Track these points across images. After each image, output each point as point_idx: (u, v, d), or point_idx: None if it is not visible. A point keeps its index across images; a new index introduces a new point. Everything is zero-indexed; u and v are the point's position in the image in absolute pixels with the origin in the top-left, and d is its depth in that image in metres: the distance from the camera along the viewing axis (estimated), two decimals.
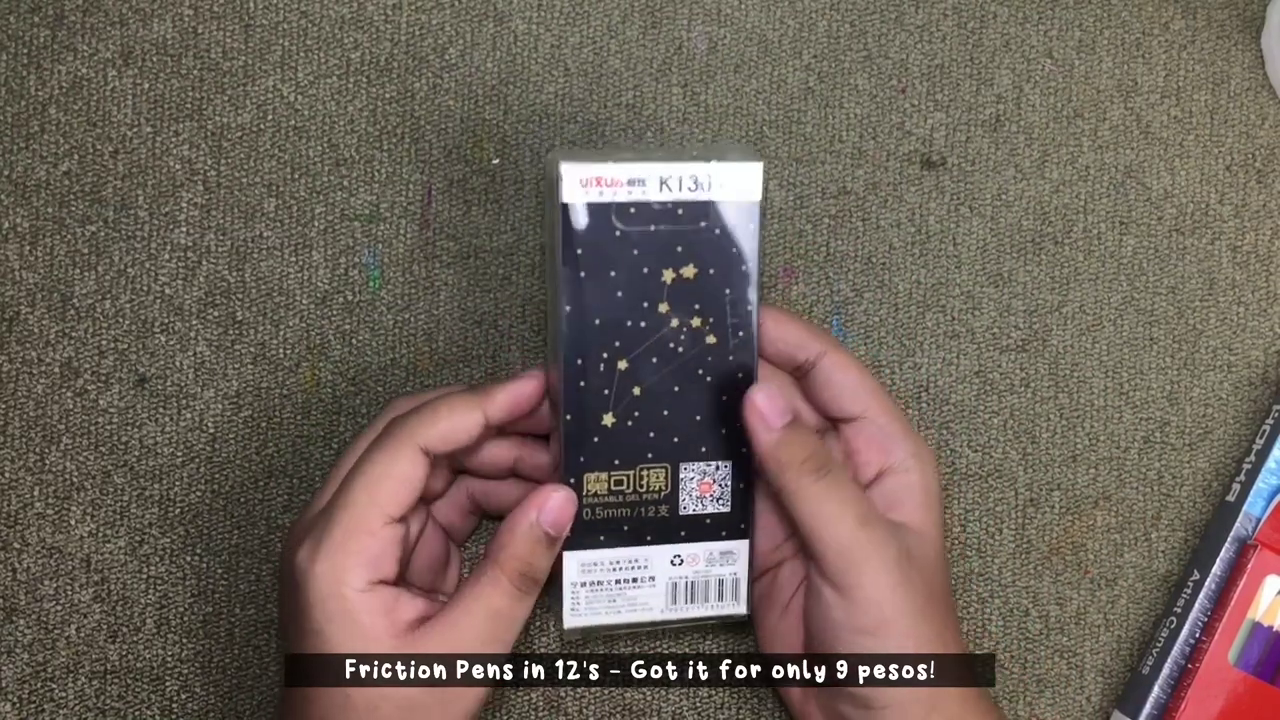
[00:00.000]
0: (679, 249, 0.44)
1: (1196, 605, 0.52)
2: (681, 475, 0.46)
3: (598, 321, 0.44)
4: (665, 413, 0.45)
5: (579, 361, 0.44)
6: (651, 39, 0.53)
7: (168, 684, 0.50)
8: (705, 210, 0.44)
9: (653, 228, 0.44)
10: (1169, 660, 0.52)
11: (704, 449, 0.46)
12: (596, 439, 0.45)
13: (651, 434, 0.45)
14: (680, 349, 0.45)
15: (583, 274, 0.44)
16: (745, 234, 0.44)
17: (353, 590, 0.42)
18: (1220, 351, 0.55)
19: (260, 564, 0.50)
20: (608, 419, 0.45)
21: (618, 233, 0.43)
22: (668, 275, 0.44)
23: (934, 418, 0.53)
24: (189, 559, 0.50)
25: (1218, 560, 0.53)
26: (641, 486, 0.45)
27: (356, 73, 0.52)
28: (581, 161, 0.43)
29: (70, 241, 0.50)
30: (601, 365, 0.44)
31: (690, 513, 0.46)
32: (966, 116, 0.54)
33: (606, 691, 0.51)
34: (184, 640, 0.50)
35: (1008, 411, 0.54)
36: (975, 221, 0.54)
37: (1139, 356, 0.55)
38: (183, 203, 0.51)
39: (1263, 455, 0.53)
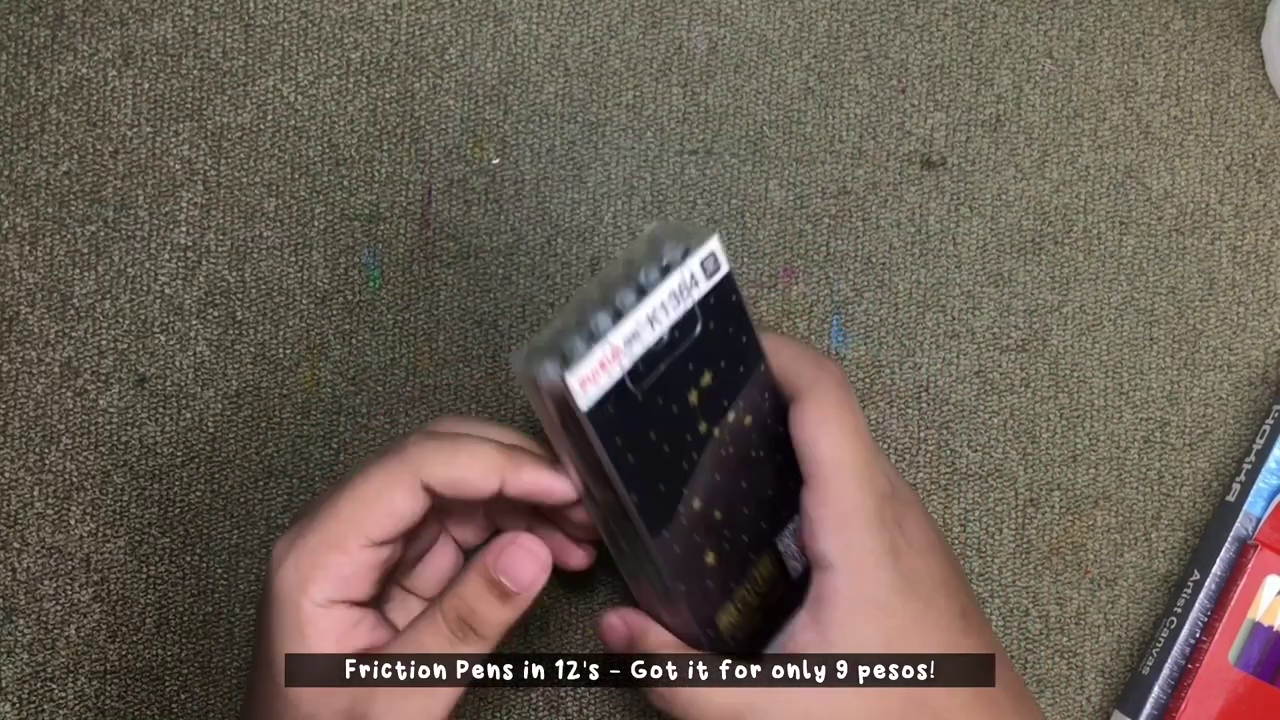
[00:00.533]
0: (690, 367, 0.40)
1: (1196, 605, 0.52)
2: (781, 549, 0.44)
3: (662, 488, 0.40)
4: (745, 510, 0.42)
5: (665, 534, 0.40)
6: (651, 39, 0.53)
7: (167, 684, 0.50)
8: (694, 318, 0.40)
9: (662, 367, 0.39)
10: (1169, 660, 0.52)
11: (783, 513, 0.44)
12: (710, 582, 0.42)
13: (745, 537, 0.43)
14: (732, 449, 0.42)
15: (630, 458, 0.39)
16: (732, 310, 0.41)
17: (310, 603, 0.40)
18: (1220, 351, 0.55)
19: (260, 564, 0.50)
20: (710, 558, 0.42)
21: (639, 397, 0.39)
22: (693, 397, 0.40)
23: (934, 418, 0.54)
24: (189, 559, 0.50)
25: (1218, 560, 0.53)
26: (762, 587, 0.43)
27: (356, 73, 0.52)
28: (575, 362, 0.37)
29: (70, 241, 0.50)
30: (685, 522, 0.41)
31: (799, 571, 0.45)
32: (966, 116, 0.54)
33: (606, 691, 0.51)
34: (184, 640, 0.50)
35: (1008, 411, 0.54)
36: (975, 221, 0.54)
37: (1139, 356, 0.55)
38: (183, 203, 0.51)
39: (1263, 455, 0.53)
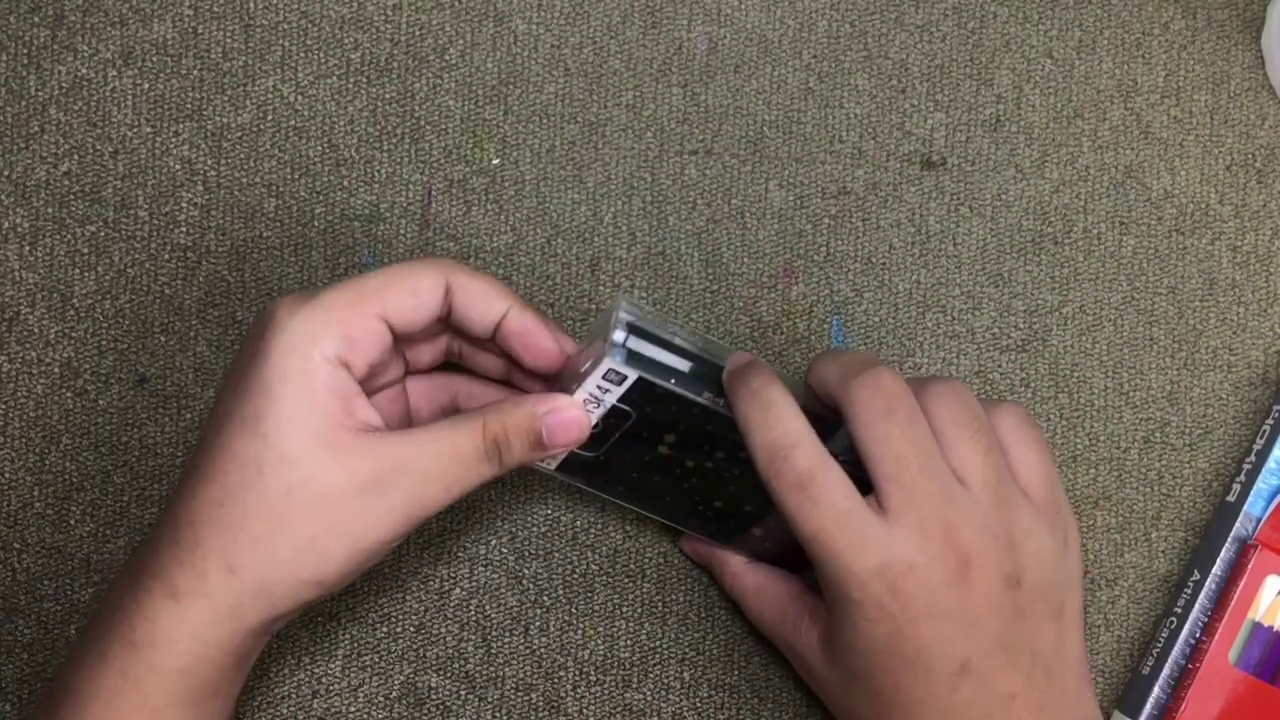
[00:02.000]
0: (645, 434, 0.44)
1: (1196, 605, 0.52)
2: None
3: (668, 499, 0.46)
4: (775, 525, 0.47)
5: (688, 524, 0.48)
6: (651, 39, 0.53)
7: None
8: (623, 411, 0.43)
9: (615, 437, 0.44)
10: (1169, 660, 0.52)
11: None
12: (758, 530, 0.48)
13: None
14: (736, 470, 0.45)
15: (620, 488, 0.46)
16: (666, 395, 0.42)
17: (320, 356, 0.39)
18: (1220, 351, 0.55)
19: None
20: (758, 531, 0.48)
21: (601, 458, 0.45)
22: (664, 449, 0.44)
23: None
24: None
25: (1218, 560, 0.53)
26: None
27: (356, 73, 0.52)
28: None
29: (70, 241, 0.50)
30: (709, 512, 0.47)
31: None
32: (966, 116, 0.54)
33: (606, 691, 0.51)
34: None
35: None
36: (975, 221, 0.54)
37: (1139, 356, 0.55)
38: (183, 203, 0.51)
39: (1263, 455, 0.53)
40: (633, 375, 0.42)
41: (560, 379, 0.45)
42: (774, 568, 0.48)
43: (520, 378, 0.46)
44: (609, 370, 0.42)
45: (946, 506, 0.41)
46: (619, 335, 0.42)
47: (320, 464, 0.39)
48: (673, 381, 0.42)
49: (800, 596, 0.47)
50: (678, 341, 0.43)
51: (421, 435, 0.40)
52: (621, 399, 0.42)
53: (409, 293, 0.41)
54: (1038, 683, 0.42)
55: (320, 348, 0.39)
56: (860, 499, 0.41)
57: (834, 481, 0.41)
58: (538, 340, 0.43)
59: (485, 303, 0.42)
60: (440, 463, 0.40)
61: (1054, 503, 0.44)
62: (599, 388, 0.42)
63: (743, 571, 0.48)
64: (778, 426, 0.41)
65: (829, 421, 0.43)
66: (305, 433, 0.39)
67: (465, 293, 0.42)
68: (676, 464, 0.45)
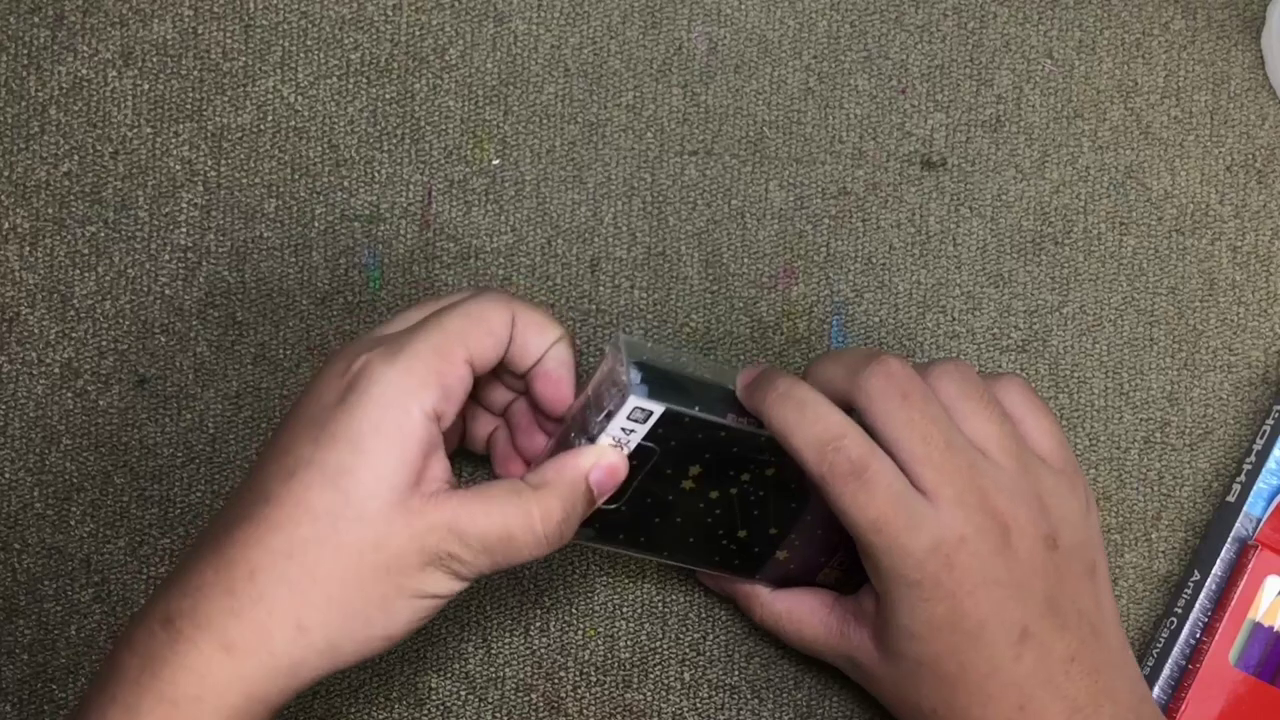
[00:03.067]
0: (669, 471, 0.44)
1: (1197, 605, 0.52)
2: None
3: (691, 539, 0.46)
4: (808, 517, 0.46)
5: (708, 565, 0.47)
6: (651, 39, 0.53)
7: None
8: (648, 449, 0.43)
9: (635, 482, 0.43)
10: (1169, 660, 0.52)
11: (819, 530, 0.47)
12: (794, 566, 0.48)
13: (819, 531, 0.47)
14: (763, 491, 0.45)
15: (642, 539, 0.46)
16: (691, 424, 0.43)
17: (420, 410, 0.38)
18: (1220, 351, 0.55)
19: None
20: (781, 555, 0.47)
21: (623, 509, 0.44)
22: (687, 484, 0.44)
23: None
24: None
25: (1218, 560, 0.53)
26: (845, 560, 0.48)
27: (356, 73, 0.52)
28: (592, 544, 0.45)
29: (70, 242, 0.50)
30: (734, 546, 0.47)
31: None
32: (966, 117, 0.54)
33: (606, 691, 0.51)
34: None
35: None
36: (975, 222, 0.54)
37: (1139, 356, 0.55)
38: (183, 203, 0.51)
39: (1263, 455, 0.53)
40: (659, 409, 0.42)
41: (558, 431, 0.45)
42: (801, 588, 0.48)
43: (519, 410, 0.46)
44: (634, 409, 0.41)
45: (978, 477, 0.42)
46: (634, 374, 0.41)
47: (393, 527, 0.38)
48: (696, 408, 0.42)
49: (837, 604, 0.47)
50: (688, 371, 0.43)
51: (475, 506, 0.39)
52: (646, 436, 0.42)
53: (488, 331, 0.41)
54: (1088, 643, 0.43)
55: (421, 401, 0.38)
56: (908, 482, 0.41)
57: (887, 465, 0.41)
58: (560, 385, 0.43)
59: (541, 334, 0.42)
60: (488, 539, 0.40)
61: (1070, 463, 0.45)
62: (624, 429, 0.42)
63: (771, 599, 0.48)
64: (819, 421, 0.42)
65: None
66: (389, 491, 0.38)
67: (526, 325, 0.42)
68: (700, 498, 0.45)
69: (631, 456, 0.43)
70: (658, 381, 0.42)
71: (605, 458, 0.42)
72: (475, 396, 0.46)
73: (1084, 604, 0.43)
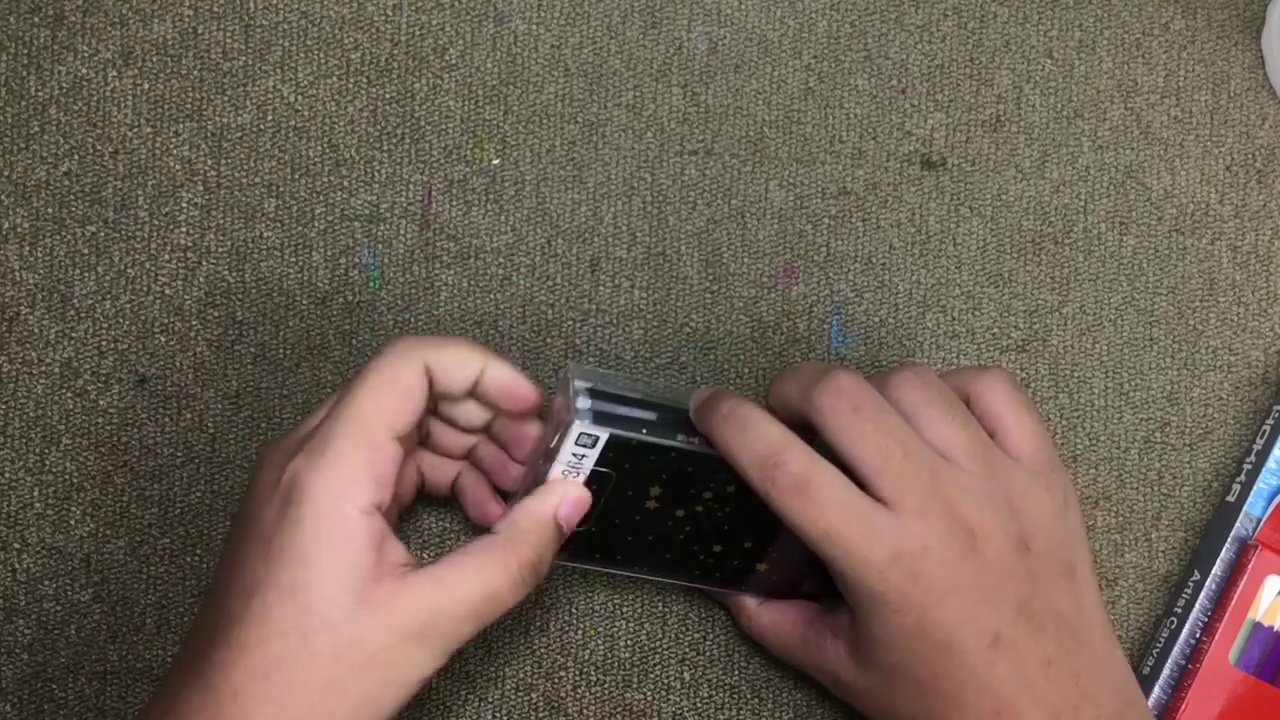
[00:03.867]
0: (629, 493, 0.44)
1: (1197, 605, 0.52)
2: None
3: (668, 556, 0.46)
4: (781, 530, 0.46)
5: (685, 580, 0.48)
6: (651, 39, 0.53)
7: None
8: (603, 475, 0.43)
9: (600, 503, 0.44)
10: (1169, 660, 0.52)
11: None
12: (775, 577, 0.48)
13: (796, 545, 0.46)
14: (728, 508, 0.45)
15: (618, 556, 0.46)
16: (641, 447, 0.43)
17: (355, 510, 0.39)
18: (1220, 351, 0.55)
19: None
20: (761, 567, 0.47)
21: (593, 528, 0.45)
22: (651, 504, 0.45)
23: None
24: (189, 559, 0.50)
25: (1218, 560, 0.53)
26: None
27: (356, 73, 0.52)
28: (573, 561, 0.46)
29: (70, 242, 0.50)
30: (708, 560, 0.47)
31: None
32: (966, 116, 0.54)
33: (606, 691, 0.51)
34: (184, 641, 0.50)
35: None
36: (975, 222, 0.54)
37: (1139, 356, 0.55)
38: (183, 203, 0.51)
39: (1263, 455, 0.53)
40: (604, 434, 0.42)
41: (529, 459, 0.45)
42: (787, 602, 0.48)
43: (501, 424, 0.46)
44: (580, 435, 0.42)
45: (940, 484, 0.41)
46: (583, 402, 0.42)
47: (364, 625, 0.39)
48: (644, 431, 0.43)
49: (817, 619, 0.47)
50: (638, 396, 0.44)
51: (452, 577, 0.40)
52: (599, 461, 0.43)
53: (402, 396, 0.40)
54: (1067, 646, 0.42)
55: (354, 501, 0.39)
56: (860, 491, 0.41)
57: (831, 476, 0.41)
58: (516, 389, 0.43)
59: (462, 367, 0.42)
60: (474, 603, 0.40)
61: (1048, 463, 0.44)
62: (574, 454, 0.43)
63: (757, 613, 0.48)
64: (760, 439, 0.42)
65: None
66: (346, 595, 0.38)
67: (442, 365, 0.42)
68: (667, 516, 0.45)
69: (589, 482, 0.43)
70: (609, 407, 0.43)
71: (568, 493, 0.43)
72: (426, 444, 0.47)
73: (1062, 606, 0.43)
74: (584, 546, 0.45)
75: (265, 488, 0.40)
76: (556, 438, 0.43)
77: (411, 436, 0.43)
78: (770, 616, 0.48)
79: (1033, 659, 0.42)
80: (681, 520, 0.45)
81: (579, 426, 0.42)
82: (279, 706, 0.38)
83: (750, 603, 0.49)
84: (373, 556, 0.39)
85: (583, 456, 0.43)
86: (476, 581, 0.40)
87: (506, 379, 0.43)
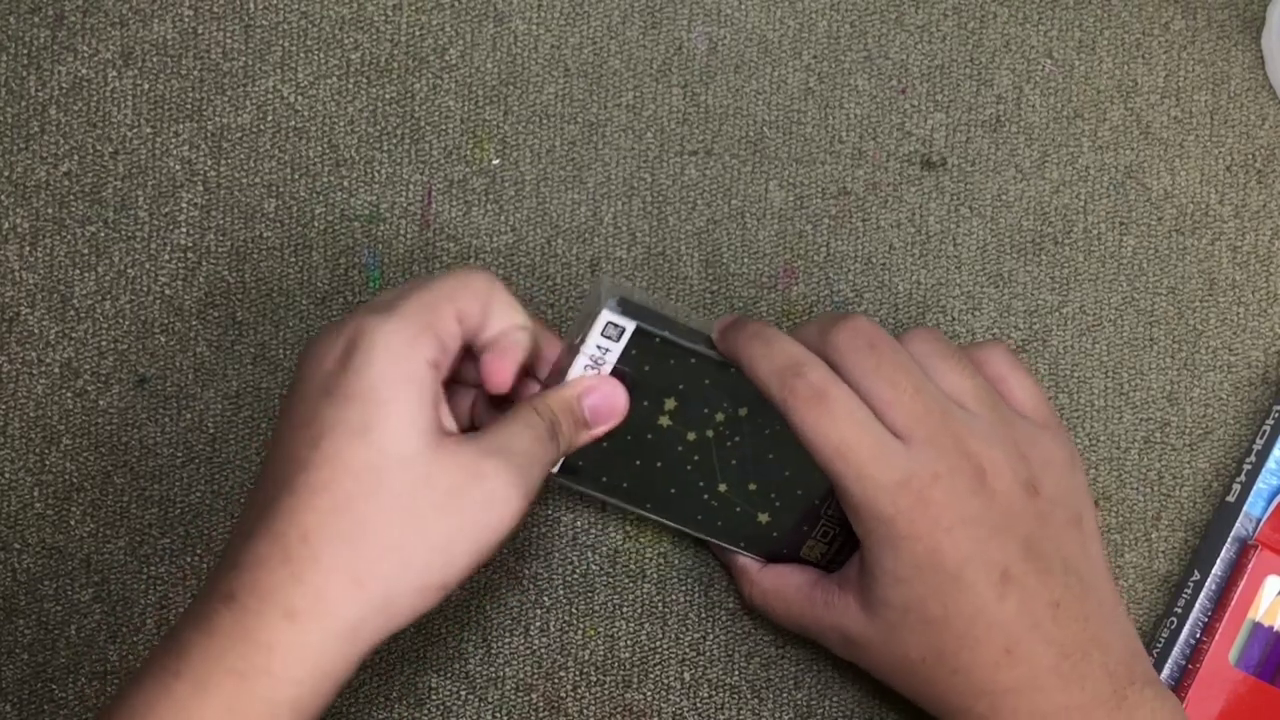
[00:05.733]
0: (645, 404, 0.44)
1: (1196, 605, 0.52)
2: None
3: (673, 490, 0.46)
4: (787, 473, 0.46)
5: (700, 518, 0.47)
6: (651, 39, 0.53)
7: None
8: (622, 374, 0.44)
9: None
10: (1169, 660, 0.52)
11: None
12: (776, 534, 0.48)
13: (799, 490, 0.47)
14: (739, 436, 0.45)
15: (625, 484, 0.46)
16: (662, 349, 0.43)
17: (422, 359, 0.39)
18: (1220, 351, 0.55)
19: None
20: (763, 518, 0.47)
21: (604, 443, 0.45)
22: (664, 420, 0.45)
23: None
24: (189, 559, 0.50)
25: (1218, 560, 0.53)
26: (833, 528, 0.48)
27: (356, 73, 0.52)
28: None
29: (70, 242, 0.50)
30: (715, 502, 0.47)
31: None
32: (966, 116, 0.54)
33: (606, 691, 0.51)
34: None
35: None
36: (975, 222, 0.54)
37: (1139, 356, 0.55)
38: (183, 203, 0.51)
39: (1263, 455, 0.53)
40: (630, 325, 0.43)
41: (552, 370, 0.45)
42: (788, 565, 0.48)
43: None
44: (607, 324, 0.42)
45: (951, 422, 0.42)
46: (612, 301, 0.43)
47: (438, 463, 0.38)
48: (669, 332, 0.43)
49: (821, 578, 0.47)
50: (665, 311, 0.44)
51: (497, 427, 0.40)
52: (620, 359, 0.43)
53: (473, 294, 0.41)
54: (1074, 590, 0.43)
55: (421, 350, 0.39)
56: (874, 415, 0.42)
57: (849, 394, 0.42)
58: (517, 358, 0.43)
59: (510, 315, 0.42)
60: (527, 442, 0.40)
61: (1053, 419, 0.45)
62: (598, 347, 0.43)
63: (759, 576, 0.48)
64: (783, 353, 0.42)
65: None
66: (418, 434, 0.38)
67: (501, 303, 0.42)
68: (678, 439, 0.45)
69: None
70: (635, 312, 0.43)
71: (598, 386, 0.43)
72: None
73: (1069, 552, 0.43)
74: (592, 465, 0.45)
75: (325, 345, 0.40)
76: (582, 333, 0.43)
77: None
78: (772, 581, 0.48)
79: (1041, 599, 0.42)
80: (691, 446, 0.45)
81: (607, 314, 0.42)
82: (351, 545, 0.37)
83: (752, 567, 0.48)
84: (431, 410, 0.39)
85: (606, 350, 0.43)
86: (519, 426, 0.41)
87: (516, 348, 0.42)
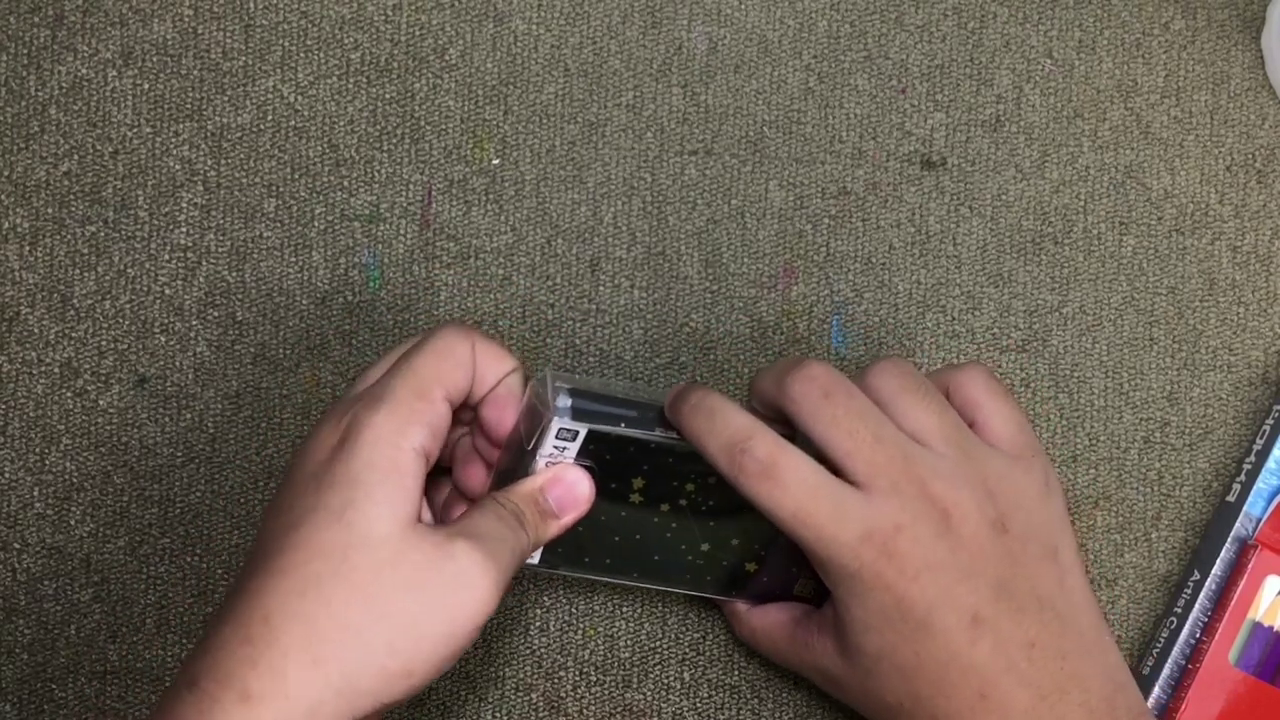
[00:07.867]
0: (613, 486, 0.44)
1: (1196, 605, 0.52)
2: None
3: (657, 558, 0.46)
4: (767, 526, 0.45)
5: (687, 577, 0.47)
6: (651, 39, 0.53)
7: (168, 684, 0.50)
8: (588, 451, 0.43)
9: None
10: (1169, 660, 0.52)
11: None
12: (766, 578, 0.48)
13: (783, 540, 0.46)
14: (712, 500, 0.45)
15: (607, 560, 0.46)
16: (620, 439, 0.43)
17: (410, 448, 0.39)
18: (1220, 351, 0.55)
19: None
20: (750, 567, 0.47)
21: (580, 527, 0.44)
22: (635, 498, 0.45)
23: None
24: (189, 559, 0.50)
25: (1218, 560, 0.53)
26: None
27: (356, 73, 0.52)
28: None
29: (70, 241, 0.50)
30: (701, 561, 0.47)
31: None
32: (966, 116, 0.54)
33: (606, 691, 0.51)
34: (184, 640, 0.50)
35: None
36: (975, 221, 0.54)
37: (1139, 356, 0.55)
38: (183, 203, 0.51)
39: (1263, 455, 0.53)
40: (583, 429, 0.42)
41: (497, 462, 0.45)
42: (775, 604, 0.48)
43: (460, 446, 0.46)
44: (560, 430, 0.42)
45: (913, 466, 0.42)
46: (562, 400, 0.42)
47: (408, 541, 0.38)
48: (622, 425, 0.43)
49: (804, 617, 0.47)
50: (616, 394, 0.44)
51: (464, 515, 0.41)
52: (580, 455, 0.43)
53: (456, 364, 0.41)
54: (1051, 627, 0.42)
55: (409, 438, 0.39)
56: (829, 474, 0.42)
57: (798, 460, 0.42)
58: (515, 404, 0.43)
59: (499, 363, 0.43)
60: (494, 525, 0.40)
61: (1028, 447, 0.45)
62: (555, 448, 0.43)
63: (747, 616, 0.48)
64: (727, 427, 0.42)
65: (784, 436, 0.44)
66: (392, 516, 0.38)
67: (484, 354, 0.42)
68: (652, 513, 0.45)
69: None
70: (588, 404, 0.43)
71: (560, 475, 0.43)
72: None
73: (1044, 589, 0.43)
74: (572, 549, 0.45)
75: (322, 436, 0.40)
76: (535, 436, 0.43)
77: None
78: (759, 619, 0.48)
79: (1015, 640, 0.42)
80: (667, 516, 0.45)
81: (558, 422, 0.42)
82: (311, 625, 0.37)
83: (742, 607, 0.49)
84: (418, 498, 0.39)
85: (563, 449, 0.43)
86: (489, 517, 0.41)
87: (510, 396, 0.43)
